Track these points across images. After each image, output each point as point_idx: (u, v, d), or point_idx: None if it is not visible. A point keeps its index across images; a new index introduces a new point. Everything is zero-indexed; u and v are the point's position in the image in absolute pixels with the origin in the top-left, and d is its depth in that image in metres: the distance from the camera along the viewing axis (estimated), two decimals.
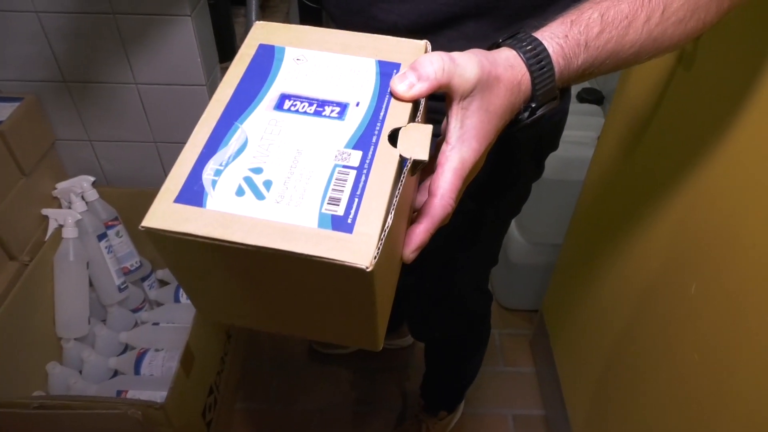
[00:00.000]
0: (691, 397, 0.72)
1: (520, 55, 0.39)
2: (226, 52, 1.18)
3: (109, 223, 1.16)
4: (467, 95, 0.37)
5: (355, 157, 0.33)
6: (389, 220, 0.31)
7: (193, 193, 0.32)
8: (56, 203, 1.16)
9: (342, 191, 0.32)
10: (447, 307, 0.94)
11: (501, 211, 0.80)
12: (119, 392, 1.05)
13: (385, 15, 0.59)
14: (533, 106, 0.41)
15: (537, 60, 0.39)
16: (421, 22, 0.58)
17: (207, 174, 0.32)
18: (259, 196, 0.31)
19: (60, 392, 1.07)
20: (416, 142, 0.35)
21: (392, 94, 0.37)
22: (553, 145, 0.77)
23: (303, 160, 0.33)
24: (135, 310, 1.23)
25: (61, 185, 1.14)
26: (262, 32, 0.41)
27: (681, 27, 0.43)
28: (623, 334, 0.92)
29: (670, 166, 0.78)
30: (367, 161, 0.33)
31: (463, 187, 0.38)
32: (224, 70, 0.43)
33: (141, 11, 0.94)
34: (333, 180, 0.32)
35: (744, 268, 0.63)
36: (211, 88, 1.03)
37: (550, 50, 0.39)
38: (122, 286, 1.17)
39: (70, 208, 1.12)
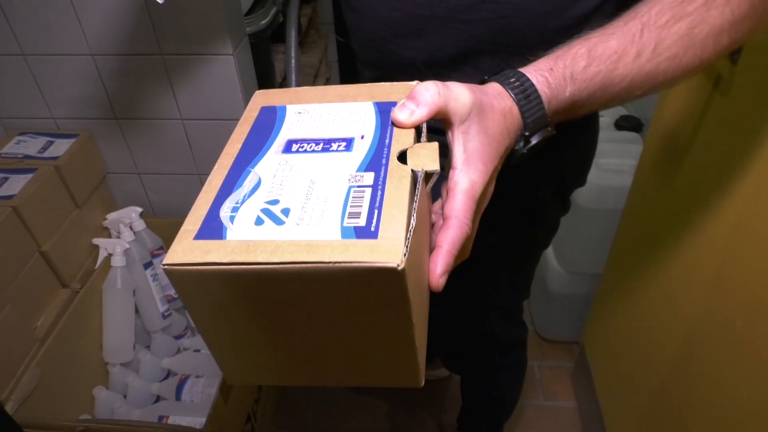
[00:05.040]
0: None
1: (506, 89, 0.41)
2: (267, 87, 1.22)
3: (155, 252, 1.21)
4: (465, 119, 0.38)
5: (368, 177, 0.34)
6: (413, 222, 0.31)
7: (212, 229, 0.32)
8: (106, 233, 1.21)
9: (361, 206, 0.32)
10: (475, 336, 0.94)
11: (525, 245, 0.79)
12: (161, 417, 1.08)
13: (402, 50, 0.61)
14: (527, 134, 0.42)
15: (522, 90, 0.41)
16: (437, 57, 0.59)
17: (224, 212, 0.33)
18: (279, 222, 0.32)
19: (105, 416, 1.10)
20: (425, 157, 0.36)
21: (394, 123, 0.38)
22: (580, 181, 0.76)
23: (317, 188, 0.34)
24: (177, 337, 1.26)
25: (111, 216, 1.20)
26: (262, 98, 0.44)
27: (675, 62, 0.44)
28: (668, 368, 0.89)
29: (711, 194, 0.76)
30: (381, 179, 0.34)
31: (477, 210, 0.38)
32: None
33: (187, 52, 0.99)
34: (350, 198, 0.33)
35: None
36: None
37: (534, 81, 0.41)
38: (166, 313, 1.20)
39: (119, 237, 1.17)
